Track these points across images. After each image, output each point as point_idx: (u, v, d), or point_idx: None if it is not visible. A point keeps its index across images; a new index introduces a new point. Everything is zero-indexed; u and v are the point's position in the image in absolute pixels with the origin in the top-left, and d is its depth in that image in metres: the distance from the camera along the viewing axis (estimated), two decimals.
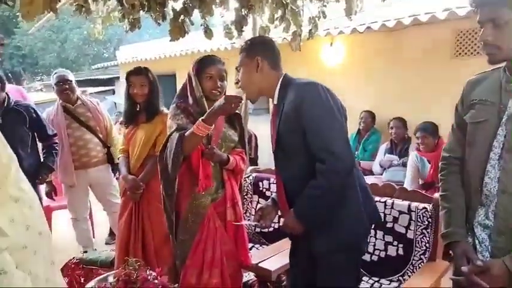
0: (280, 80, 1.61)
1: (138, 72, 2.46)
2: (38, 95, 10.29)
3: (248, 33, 4.04)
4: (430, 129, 3.44)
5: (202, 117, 1.73)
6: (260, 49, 1.63)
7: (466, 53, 3.91)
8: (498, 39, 1.22)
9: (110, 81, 11.72)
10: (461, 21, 3.70)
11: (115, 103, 9.49)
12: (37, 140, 2.90)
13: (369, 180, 3.49)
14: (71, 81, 3.06)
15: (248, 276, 2.17)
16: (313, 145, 1.47)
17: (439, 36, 3.97)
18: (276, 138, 1.62)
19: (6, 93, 2.66)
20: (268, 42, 1.70)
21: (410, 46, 4.19)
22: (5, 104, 2.63)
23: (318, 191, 1.47)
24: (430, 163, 3.36)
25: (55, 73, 3.10)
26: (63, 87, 3.01)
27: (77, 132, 3.04)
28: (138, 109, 2.51)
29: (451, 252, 1.45)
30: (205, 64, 1.91)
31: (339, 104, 1.54)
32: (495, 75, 1.33)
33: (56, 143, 2.93)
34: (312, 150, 1.48)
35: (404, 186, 3.52)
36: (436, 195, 2.07)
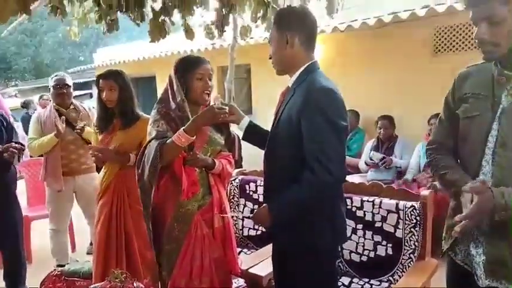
0: (306, 65, 1.51)
1: (107, 76, 2.36)
2: (12, 101, 9.97)
3: (229, 33, 4.01)
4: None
5: (184, 127, 1.65)
6: (290, 22, 1.50)
7: (445, 50, 3.97)
8: (495, 36, 1.20)
9: (87, 85, 11.48)
10: (440, 18, 3.75)
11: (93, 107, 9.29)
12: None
13: (354, 179, 3.52)
14: (70, 86, 3.06)
15: (238, 283, 2.11)
16: (307, 151, 1.42)
17: (419, 33, 4.02)
18: (275, 121, 1.57)
19: None
20: (300, 14, 1.53)
21: (391, 44, 4.22)
22: None
23: (299, 198, 1.45)
24: None
25: (55, 75, 3.10)
26: (60, 90, 3.01)
27: (68, 136, 2.94)
28: (111, 114, 2.41)
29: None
30: (194, 64, 1.80)
31: (347, 119, 1.48)
32: (487, 68, 1.31)
33: (23, 145, 2.78)
34: (304, 155, 1.43)
35: (407, 175, 3.67)
36: (424, 192, 2.08)
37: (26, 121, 6.30)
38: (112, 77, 2.35)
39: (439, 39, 3.99)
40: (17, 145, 2.52)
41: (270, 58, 1.59)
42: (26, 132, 3.29)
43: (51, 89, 3.04)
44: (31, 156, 4.02)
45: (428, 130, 3.63)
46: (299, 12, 1.54)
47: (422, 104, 3.86)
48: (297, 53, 1.51)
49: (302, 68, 1.52)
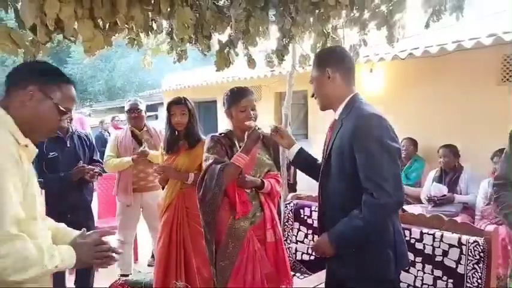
0: (349, 97, 1.61)
1: (178, 102, 2.61)
2: (87, 120, 10.89)
3: (288, 62, 4.14)
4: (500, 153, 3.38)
5: (241, 150, 1.87)
6: (330, 60, 1.62)
7: None
8: None
9: (153, 107, 12.24)
10: (507, 46, 3.59)
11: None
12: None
13: (414, 209, 3.39)
14: (141, 110, 3.34)
15: None
16: (364, 177, 1.46)
17: (484, 62, 3.86)
18: (326, 153, 1.64)
19: None
20: (338, 52, 1.67)
21: (454, 72, 4.09)
22: (70, 130, 2.88)
23: (360, 222, 1.47)
24: None
25: (128, 101, 3.42)
26: (133, 114, 3.30)
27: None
28: (178, 137, 2.63)
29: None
30: (238, 97, 1.99)
31: (398, 141, 1.53)
32: None
33: (101, 163, 3.09)
34: (361, 181, 1.47)
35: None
36: (489, 228, 1.98)
37: (99, 139, 6.87)
38: (183, 102, 2.60)
39: (507, 68, 3.80)
40: (98, 170, 2.84)
41: (313, 96, 1.70)
42: (99, 149, 3.63)
43: (126, 114, 3.35)
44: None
45: (493, 168, 3.42)
46: (337, 51, 1.70)
47: (487, 134, 3.67)
48: (339, 87, 1.61)
49: (346, 101, 1.61)
